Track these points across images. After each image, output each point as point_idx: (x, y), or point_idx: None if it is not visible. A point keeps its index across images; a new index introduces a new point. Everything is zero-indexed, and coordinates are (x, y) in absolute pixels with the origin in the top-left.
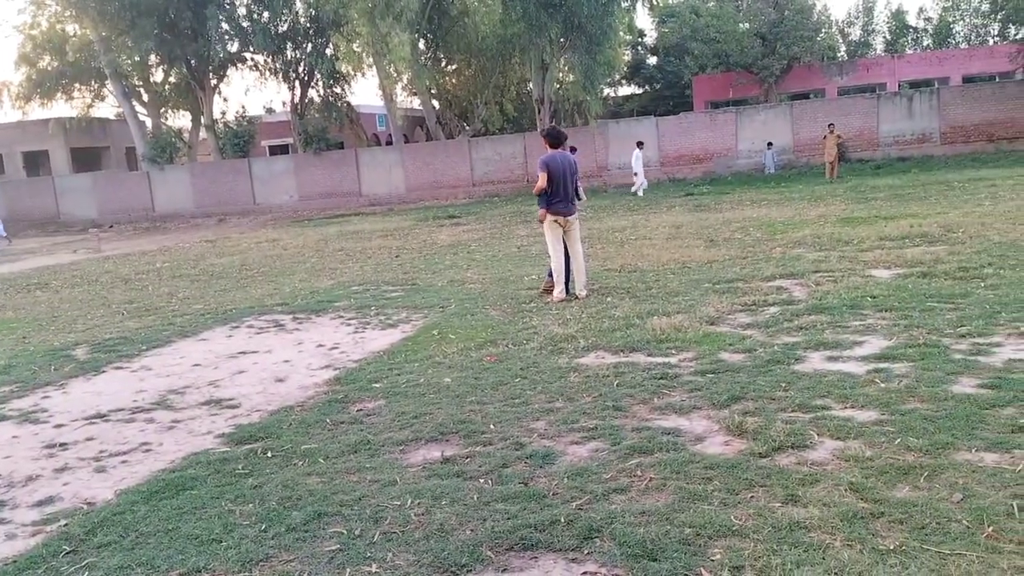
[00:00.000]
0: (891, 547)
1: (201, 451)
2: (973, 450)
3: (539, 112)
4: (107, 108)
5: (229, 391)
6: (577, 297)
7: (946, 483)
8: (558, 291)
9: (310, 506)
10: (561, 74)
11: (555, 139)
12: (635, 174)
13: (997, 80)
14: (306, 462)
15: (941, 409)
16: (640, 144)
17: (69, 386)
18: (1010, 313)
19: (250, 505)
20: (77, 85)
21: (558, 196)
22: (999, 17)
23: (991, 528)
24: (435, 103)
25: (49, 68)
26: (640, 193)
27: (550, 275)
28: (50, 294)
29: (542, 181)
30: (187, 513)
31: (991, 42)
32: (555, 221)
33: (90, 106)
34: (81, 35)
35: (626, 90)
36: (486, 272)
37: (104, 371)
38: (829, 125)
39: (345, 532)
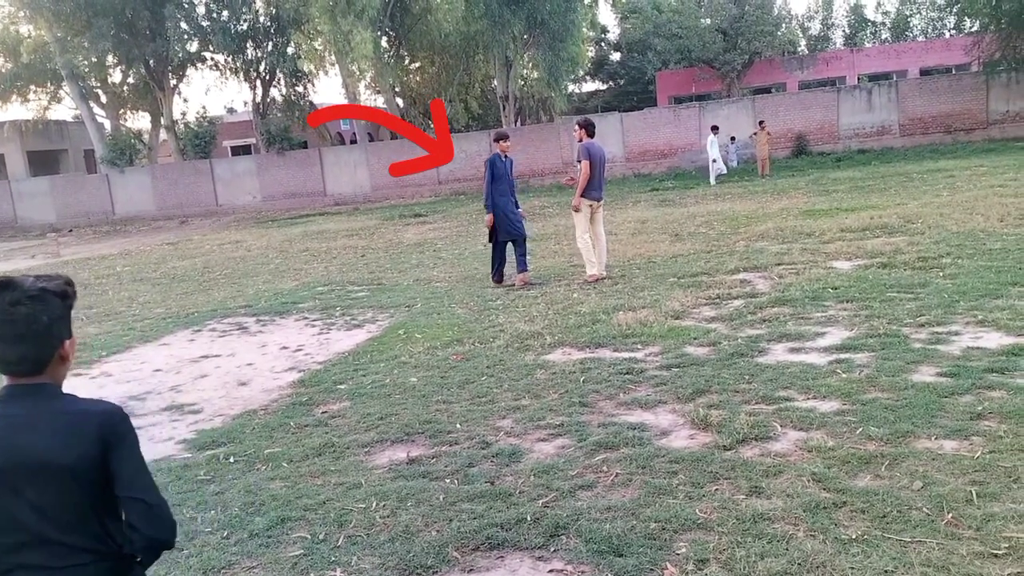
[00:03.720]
0: (853, 536)
1: (162, 458)
2: (933, 438)
3: (503, 109)
4: (64, 110)
5: (191, 396)
6: (601, 277)
7: (907, 471)
8: (593, 270)
9: (273, 511)
10: (525, 71)
11: (592, 129)
12: (713, 160)
13: (953, 72)
14: (269, 466)
15: (901, 398)
16: (715, 128)
17: None
18: (968, 302)
19: (212, 512)
20: (32, 87)
21: (594, 183)
22: (955, 10)
23: (951, 515)
24: (399, 101)
25: (3, 70)
26: (713, 181)
27: (518, 266)
28: None
29: (586, 168)
30: None
31: (947, 35)
32: (589, 206)
33: (46, 108)
34: (36, 36)
35: (590, 86)
36: (452, 270)
37: None
38: (760, 122)
39: (309, 536)
